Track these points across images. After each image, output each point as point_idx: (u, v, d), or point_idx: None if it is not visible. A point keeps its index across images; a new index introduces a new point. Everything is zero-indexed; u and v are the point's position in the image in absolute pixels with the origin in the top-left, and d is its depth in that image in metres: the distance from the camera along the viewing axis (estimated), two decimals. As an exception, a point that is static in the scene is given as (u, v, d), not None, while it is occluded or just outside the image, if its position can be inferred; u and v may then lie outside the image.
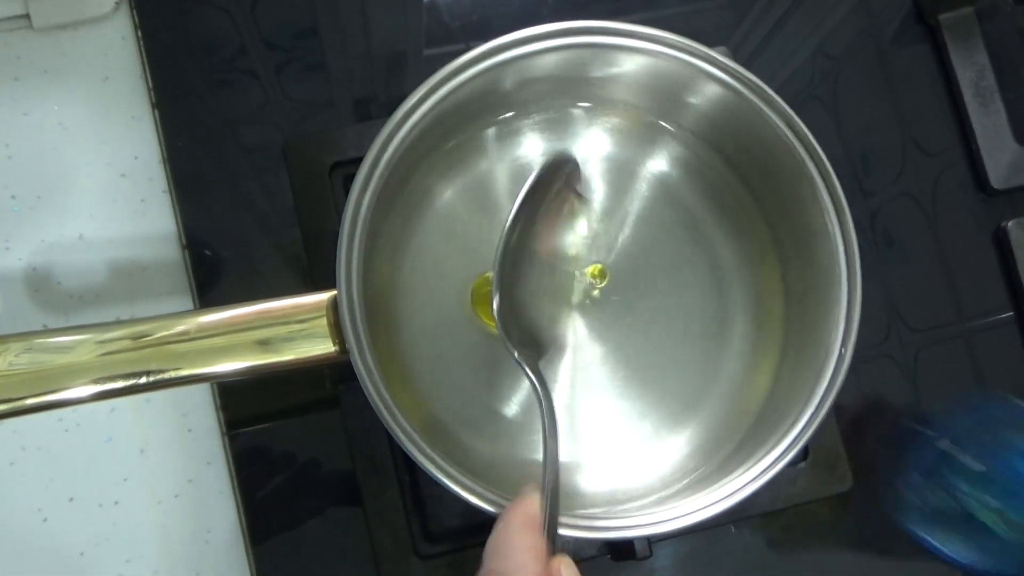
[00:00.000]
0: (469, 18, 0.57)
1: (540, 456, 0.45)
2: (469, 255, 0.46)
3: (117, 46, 0.53)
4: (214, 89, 0.54)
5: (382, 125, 0.40)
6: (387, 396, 0.38)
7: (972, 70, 0.57)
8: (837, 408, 0.50)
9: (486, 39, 0.42)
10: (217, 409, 0.50)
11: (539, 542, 0.33)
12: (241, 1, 0.55)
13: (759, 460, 0.40)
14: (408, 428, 0.37)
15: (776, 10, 0.59)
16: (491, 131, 0.48)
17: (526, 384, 0.45)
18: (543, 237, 0.43)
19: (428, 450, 0.37)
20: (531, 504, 0.34)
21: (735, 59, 0.43)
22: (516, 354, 0.38)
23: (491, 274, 0.46)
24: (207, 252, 0.52)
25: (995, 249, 0.57)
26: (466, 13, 0.57)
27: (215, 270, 0.52)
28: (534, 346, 0.41)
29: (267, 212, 0.53)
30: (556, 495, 0.35)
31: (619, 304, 0.47)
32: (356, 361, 0.38)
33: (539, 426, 0.45)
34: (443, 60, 0.41)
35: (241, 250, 0.52)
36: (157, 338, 0.38)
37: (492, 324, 0.46)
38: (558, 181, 0.42)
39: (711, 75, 0.42)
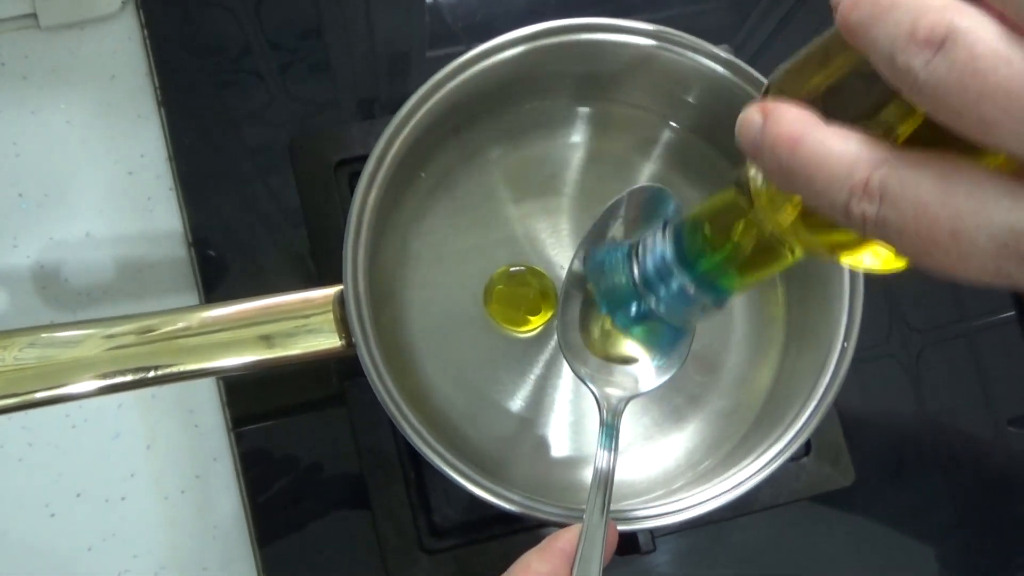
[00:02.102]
0: (472, 19, 0.57)
1: (544, 448, 0.45)
2: (475, 251, 0.47)
3: (124, 45, 0.54)
4: (219, 89, 0.54)
5: (387, 122, 0.41)
6: (394, 389, 0.38)
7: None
8: (839, 407, 0.50)
9: (488, 40, 0.42)
10: (223, 405, 0.50)
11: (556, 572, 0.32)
12: (246, 1, 0.55)
13: (762, 454, 0.40)
14: (414, 421, 0.38)
15: (779, 10, 0.59)
16: (497, 127, 0.48)
17: (532, 379, 0.46)
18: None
19: (434, 443, 0.38)
20: (566, 537, 0.33)
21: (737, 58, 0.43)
22: (597, 394, 0.38)
23: (503, 269, 0.46)
24: (213, 249, 0.52)
25: (997, 247, 0.57)
26: (469, 14, 0.57)
27: (221, 268, 0.52)
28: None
29: (272, 211, 0.53)
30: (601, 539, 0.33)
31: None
32: (363, 355, 0.38)
33: (544, 420, 0.46)
34: (445, 62, 0.41)
35: (246, 248, 0.52)
36: (164, 332, 0.38)
37: (503, 320, 0.46)
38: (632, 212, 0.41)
39: (714, 71, 0.43)
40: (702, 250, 0.31)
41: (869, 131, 0.21)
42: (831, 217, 0.22)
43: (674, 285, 0.32)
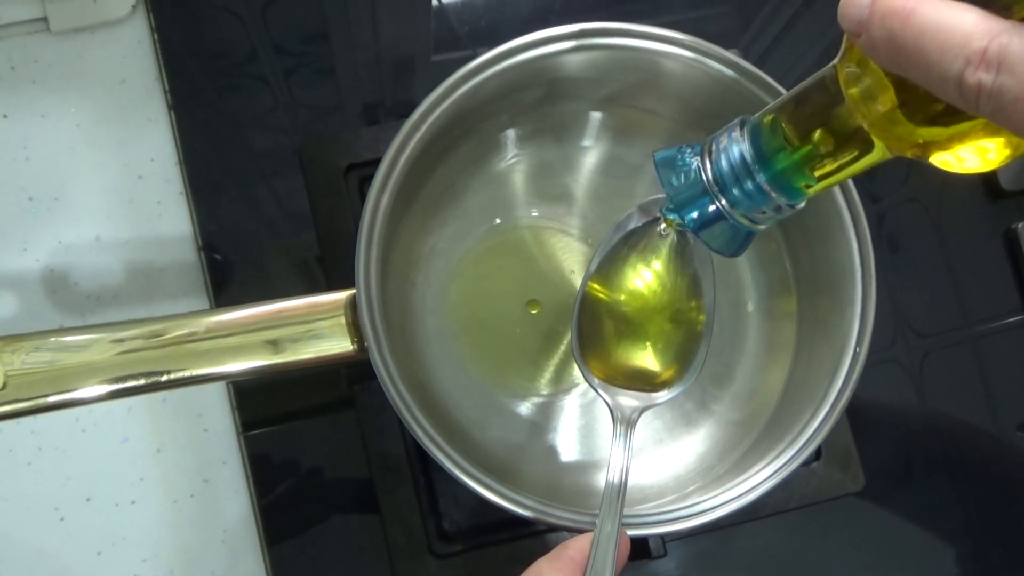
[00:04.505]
0: (477, 23, 0.57)
1: (555, 453, 0.45)
2: (486, 255, 0.47)
3: (134, 49, 0.54)
4: (226, 93, 0.54)
5: (397, 127, 0.40)
6: (406, 393, 0.38)
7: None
8: (848, 413, 0.50)
9: (494, 45, 0.42)
10: (233, 409, 0.50)
11: None
12: (252, 6, 0.55)
13: (773, 459, 0.40)
14: (427, 426, 0.38)
15: (784, 13, 0.59)
16: (509, 131, 0.48)
17: (542, 384, 0.46)
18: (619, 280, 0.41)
19: (446, 446, 0.37)
20: (577, 546, 0.33)
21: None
22: (611, 403, 0.38)
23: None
24: (222, 253, 0.52)
25: (1006, 252, 0.57)
26: (474, 19, 0.57)
27: (230, 272, 0.52)
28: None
29: (279, 215, 0.53)
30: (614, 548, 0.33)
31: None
32: (375, 359, 0.38)
33: (554, 425, 0.45)
34: (450, 66, 0.41)
35: (255, 252, 0.52)
36: (173, 337, 0.38)
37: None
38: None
39: (724, 75, 0.43)
40: (781, 147, 0.29)
41: (984, 5, 0.21)
42: (940, 92, 0.22)
43: (748, 184, 0.30)
